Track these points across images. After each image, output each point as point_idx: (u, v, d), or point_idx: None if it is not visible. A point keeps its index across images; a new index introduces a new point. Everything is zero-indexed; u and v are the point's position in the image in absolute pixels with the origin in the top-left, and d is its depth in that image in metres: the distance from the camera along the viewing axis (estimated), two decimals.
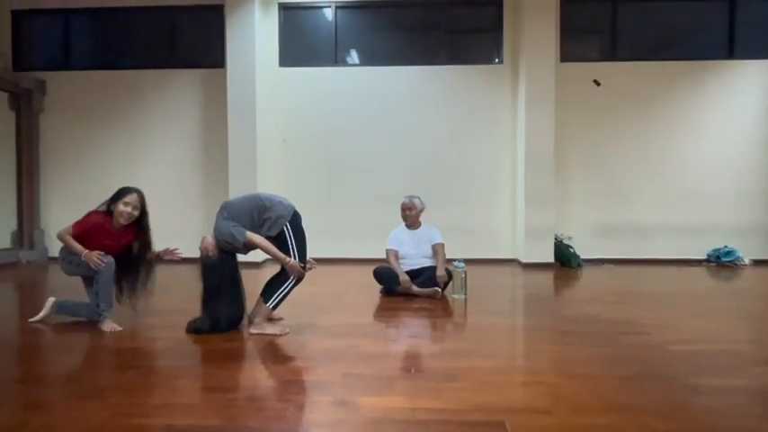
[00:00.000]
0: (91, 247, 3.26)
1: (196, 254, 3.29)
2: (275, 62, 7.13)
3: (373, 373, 2.49)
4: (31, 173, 7.16)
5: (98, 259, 3.23)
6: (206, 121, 7.17)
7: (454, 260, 4.47)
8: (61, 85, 7.24)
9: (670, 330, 3.32)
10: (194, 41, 7.40)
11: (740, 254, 6.65)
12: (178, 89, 7.20)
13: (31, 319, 3.49)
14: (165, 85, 7.22)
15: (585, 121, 6.93)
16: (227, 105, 6.68)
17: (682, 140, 6.92)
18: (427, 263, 4.57)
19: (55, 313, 3.51)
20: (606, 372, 2.50)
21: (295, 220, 3.29)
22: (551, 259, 6.50)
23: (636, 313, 3.82)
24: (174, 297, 4.39)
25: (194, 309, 3.30)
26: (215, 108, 7.02)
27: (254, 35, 6.63)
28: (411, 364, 2.72)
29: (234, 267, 3.28)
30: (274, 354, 2.87)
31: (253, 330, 3.21)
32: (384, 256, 4.67)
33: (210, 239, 3.21)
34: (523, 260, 6.56)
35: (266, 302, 3.24)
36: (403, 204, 4.73)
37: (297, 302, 3.56)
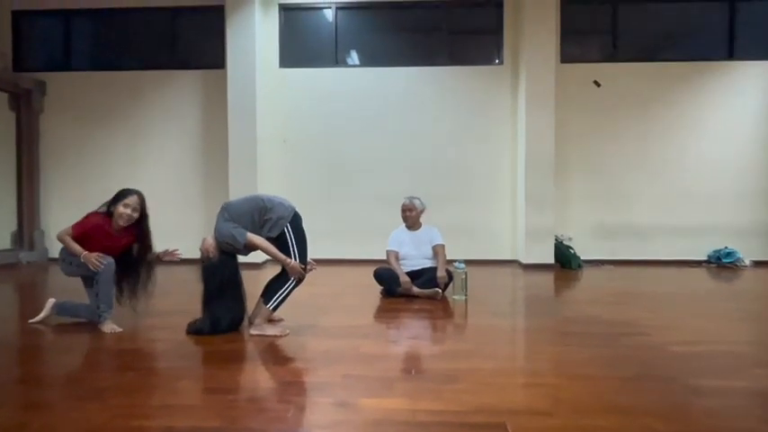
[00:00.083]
0: (90, 249, 3.25)
1: (196, 255, 3.29)
2: (275, 63, 7.13)
3: (374, 375, 2.49)
4: (31, 173, 7.16)
5: (97, 261, 3.23)
6: (206, 122, 7.17)
7: (454, 261, 4.46)
8: (61, 85, 7.25)
9: (670, 331, 3.32)
10: (194, 42, 7.40)
11: (740, 255, 6.64)
12: (178, 90, 7.21)
13: (31, 320, 3.49)
14: (166, 85, 7.22)
15: (586, 122, 6.93)
16: (228, 106, 6.68)
17: (682, 141, 6.92)
18: (428, 264, 4.57)
19: (55, 314, 3.51)
20: (606, 373, 2.50)
21: (296, 221, 3.29)
22: (551, 260, 6.50)
23: (636, 314, 3.82)
24: (175, 298, 4.39)
25: (195, 310, 3.30)
26: (215, 109, 7.02)
27: (255, 36, 6.64)
28: (411, 365, 2.72)
29: (234, 268, 3.28)
30: (275, 355, 2.87)
31: (253, 331, 3.20)
32: (384, 257, 4.67)
33: (211, 241, 3.21)
34: (524, 261, 6.56)
35: (267, 303, 3.24)
36: (403, 205, 4.73)
37: (297, 303, 3.56)
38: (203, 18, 7.16)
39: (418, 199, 4.74)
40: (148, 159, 7.23)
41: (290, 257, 3.21)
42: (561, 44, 6.84)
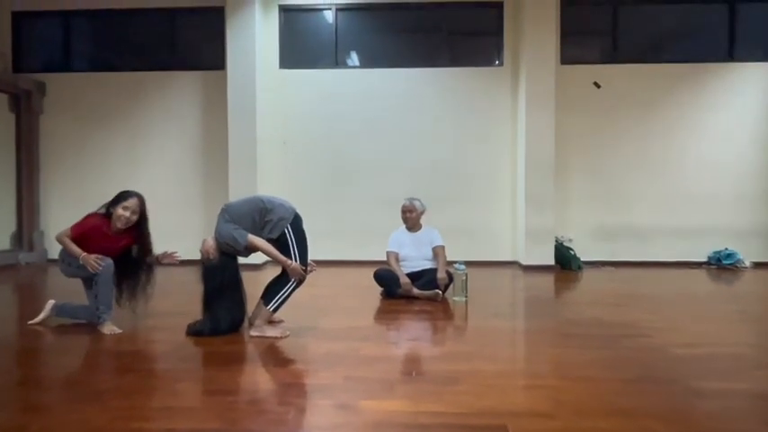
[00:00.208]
0: (89, 250, 3.25)
1: (196, 255, 3.29)
2: (275, 64, 7.13)
3: (374, 377, 2.48)
4: (30, 174, 7.15)
5: (95, 262, 3.22)
6: (206, 123, 7.17)
7: (455, 262, 4.45)
8: (61, 86, 7.23)
9: (671, 333, 3.32)
10: (194, 43, 7.40)
11: (741, 256, 6.64)
12: (178, 91, 7.20)
13: (30, 322, 3.48)
14: (166, 86, 7.21)
15: (586, 124, 6.93)
16: (228, 107, 6.67)
17: (682, 143, 6.92)
18: (428, 265, 4.57)
19: (54, 315, 3.50)
20: (608, 375, 2.50)
21: (296, 222, 3.28)
22: (552, 262, 6.49)
23: (637, 316, 3.81)
24: (174, 299, 4.38)
25: (194, 311, 3.29)
26: (215, 110, 7.01)
27: (255, 37, 6.63)
28: (412, 367, 2.71)
29: (235, 270, 3.28)
30: (275, 357, 2.87)
31: (253, 333, 3.20)
32: (384, 259, 4.66)
33: (211, 242, 3.20)
34: (524, 262, 6.56)
35: (267, 305, 3.24)
36: (403, 206, 4.72)
37: (297, 305, 3.55)
38: (203, 19, 7.16)
39: (418, 200, 4.74)
40: (148, 160, 7.22)
41: (291, 259, 3.21)
42: (561, 45, 6.83)
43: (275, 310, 3.26)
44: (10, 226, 7.06)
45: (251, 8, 6.61)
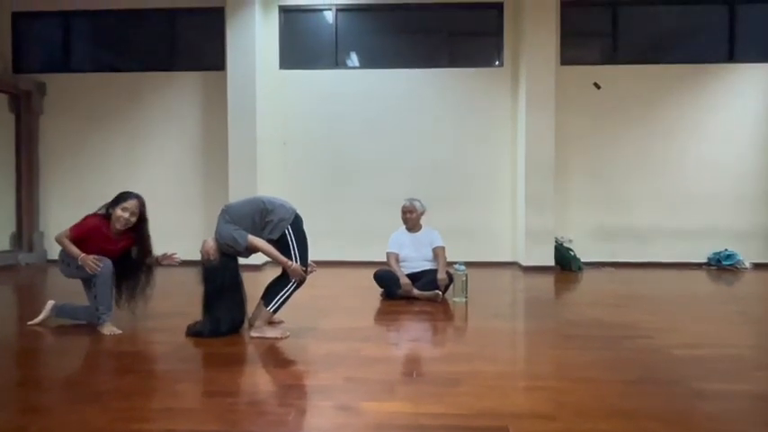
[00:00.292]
0: (89, 251, 3.24)
1: (196, 256, 3.28)
2: (275, 64, 7.12)
3: (375, 378, 2.48)
4: (30, 175, 7.14)
5: (94, 263, 3.21)
6: (206, 123, 7.16)
7: (455, 263, 4.45)
8: (61, 87, 7.23)
9: (672, 334, 3.32)
10: (194, 44, 7.40)
11: (741, 257, 6.64)
12: (178, 91, 7.20)
13: (30, 322, 3.47)
14: (166, 87, 7.21)
15: (586, 124, 6.93)
16: (228, 107, 6.66)
17: (682, 143, 6.92)
18: (428, 266, 4.56)
19: (54, 316, 3.50)
20: (609, 376, 2.49)
21: (297, 223, 3.28)
22: (552, 262, 6.49)
23: (637, 317, 3.81)
24: (174, 300, 4.37)
25: (194, 312, 3.29)
26: (215, 110, 7.01)
27: (255, 37, 6.63)
28: (413, 368, 2.71)
29: (235, 270, 3.27)
30: (275, 358, 2.86)
31: (253, 334, 3.19)
32: (384, 259, 4.65)
33: (212, 243, 3.20)
34: (524, 263, 6.55)
35: (267, 306, 3.23)
36: (403, 207, 4.71)
37: (297, 306, 3.55)
38: (203, 19, 7.15)
39: (418, 201, 4.73)
40: (148, 160, 7.22)
41: (291, 259, 3.20)
42: (561, 46, 6.83)
43: (275, 310, 3.26)
44: (10, 226, 7.06)
45: (251, 8, 6.60)
